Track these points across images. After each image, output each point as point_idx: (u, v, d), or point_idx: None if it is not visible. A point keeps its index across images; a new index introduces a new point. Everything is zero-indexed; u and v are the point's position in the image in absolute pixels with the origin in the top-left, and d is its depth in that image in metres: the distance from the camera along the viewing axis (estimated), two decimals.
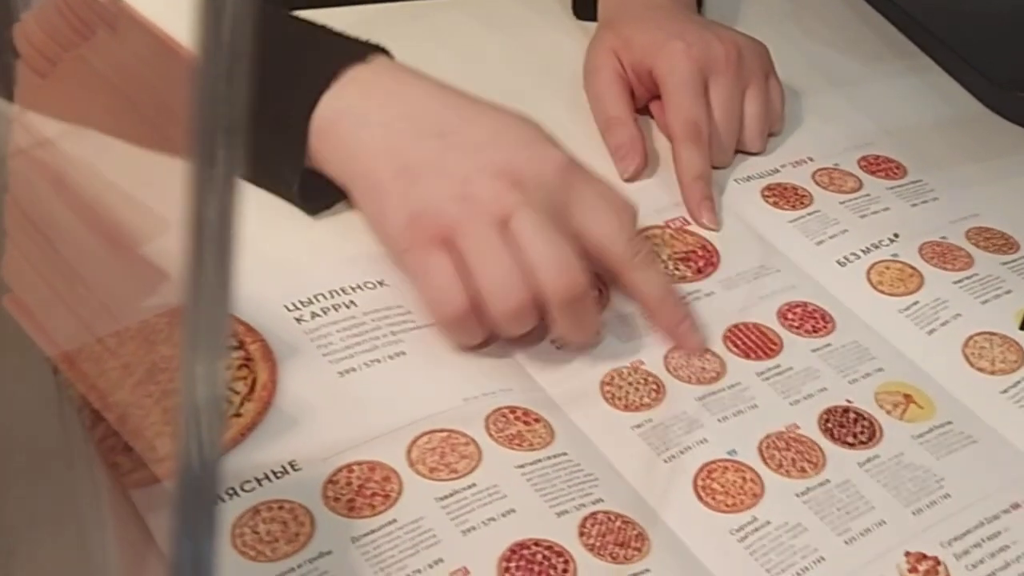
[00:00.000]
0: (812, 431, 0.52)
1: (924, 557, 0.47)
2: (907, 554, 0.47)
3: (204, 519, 0.20)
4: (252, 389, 0.50)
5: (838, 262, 0.62)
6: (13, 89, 0.42)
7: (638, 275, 0.55)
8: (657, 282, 0.56)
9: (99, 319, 0.42)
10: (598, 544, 0.46)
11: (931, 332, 0.58)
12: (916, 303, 0.60)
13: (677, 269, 0.61)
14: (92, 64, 0.41)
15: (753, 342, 0.57)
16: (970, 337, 0.58)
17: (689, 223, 0.64)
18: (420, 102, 0.57)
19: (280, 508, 0.46)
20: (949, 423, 0.54)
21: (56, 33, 0.41)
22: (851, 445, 0.52)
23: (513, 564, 0.45)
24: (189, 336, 0.19)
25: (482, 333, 0.53)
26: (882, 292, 0.61)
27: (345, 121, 0.56)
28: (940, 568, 0.47)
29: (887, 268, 0.62)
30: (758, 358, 0.56)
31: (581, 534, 0.46)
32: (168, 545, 0.20)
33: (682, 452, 0.51)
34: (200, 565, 0.20)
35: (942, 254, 0.63)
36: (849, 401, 0.54)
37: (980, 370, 0.56)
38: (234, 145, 0.18)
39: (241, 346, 0.52)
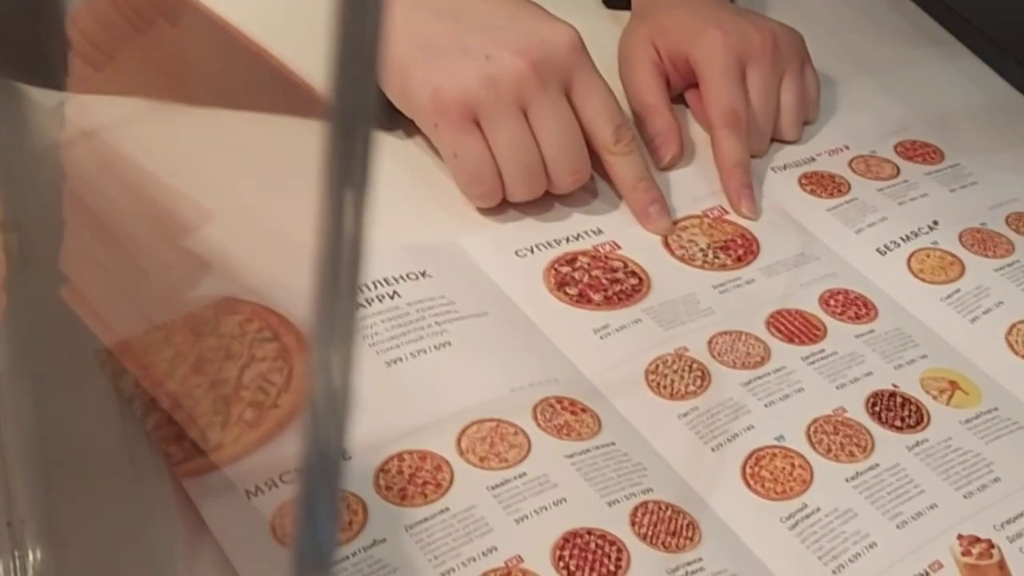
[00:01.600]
0: (859, 415, 0.52)
1: (977, 540, 0.47)
2: (960, 537, 0.47)
3: (328, 506, 0.20)
4: (289, 380, 0.50)
5: (878, 251, 0.62)
6: (64, 80, 0.43)
7: (617, 159, 0.62)
8: (633, 167, 0.62)
9: (153, 308, 0.42)
10: (650, 533, 0.46)
11: (974, 320, 0.58)
12: (958, 291, 0.60)
13: (717, 257, 0.61)
14: (150, 56, 0.41)
15: (796, 327, 0.57)
16: (1013, 325, 0.58)
17: (727, 212, 0.64)
18: None
19: None
20: (996, 409, 0.53)
21: (110, 25, 0.41)
22: (899, 429, 0.52)
23: (567, 552, 0.45)
24: (320, 324, 0.19)
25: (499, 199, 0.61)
26: (923, 280, 0.60)
27: None
28: (994, 551, 0.46)
29: (927, 256, 0.62)
30: (802, 343, 0.56)
31: (633, 523, 0.46)
32: (293, 530, 0.20)
33: (729, 440, 0.50)
34: (324, 549, 0.20)
35: (982, 241, 0.63)
36: (895, 386, 0.54)
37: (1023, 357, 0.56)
38: (367, 140, 0.18)
39: (276, 338, 0.52)
